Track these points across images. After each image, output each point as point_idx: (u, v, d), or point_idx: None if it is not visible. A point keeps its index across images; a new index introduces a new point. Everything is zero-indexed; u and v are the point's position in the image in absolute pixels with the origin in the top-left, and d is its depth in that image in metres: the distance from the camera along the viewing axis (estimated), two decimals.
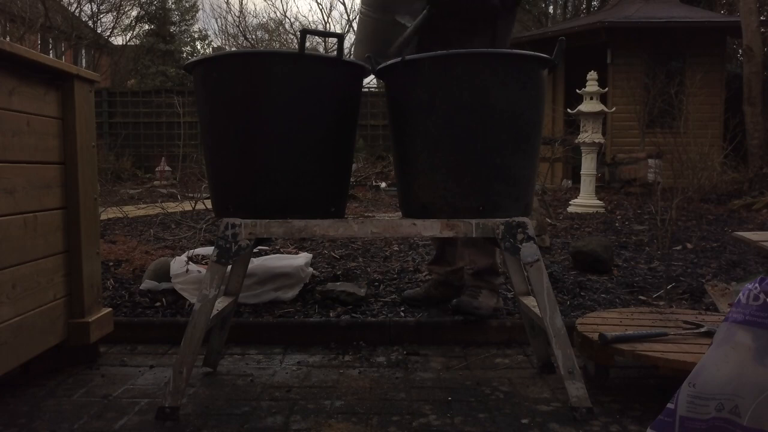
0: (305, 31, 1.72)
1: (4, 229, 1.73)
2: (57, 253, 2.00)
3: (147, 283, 2.81)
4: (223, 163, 1.78)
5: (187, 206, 5.44)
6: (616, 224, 5.45)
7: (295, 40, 18.65)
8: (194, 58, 1.82)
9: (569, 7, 18.56)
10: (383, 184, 9.44)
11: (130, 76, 18.12)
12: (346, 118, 1.83)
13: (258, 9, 42.78)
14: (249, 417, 1.72)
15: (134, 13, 18.66)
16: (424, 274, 3.23)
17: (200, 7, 27.92)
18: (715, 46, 10.54)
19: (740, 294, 1.37)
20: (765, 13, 13.28)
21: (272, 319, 2.50)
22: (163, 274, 2.79)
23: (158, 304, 2.69)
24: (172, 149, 11.89)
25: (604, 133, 7.48)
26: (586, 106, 6.77)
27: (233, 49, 18.85)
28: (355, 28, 2.21)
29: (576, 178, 8.75)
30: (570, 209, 6.64)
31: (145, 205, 6.46)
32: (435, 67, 1.71)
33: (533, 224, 1.79)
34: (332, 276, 3.15)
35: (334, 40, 2.00)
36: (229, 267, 1.91)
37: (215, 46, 21.48)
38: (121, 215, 5.53)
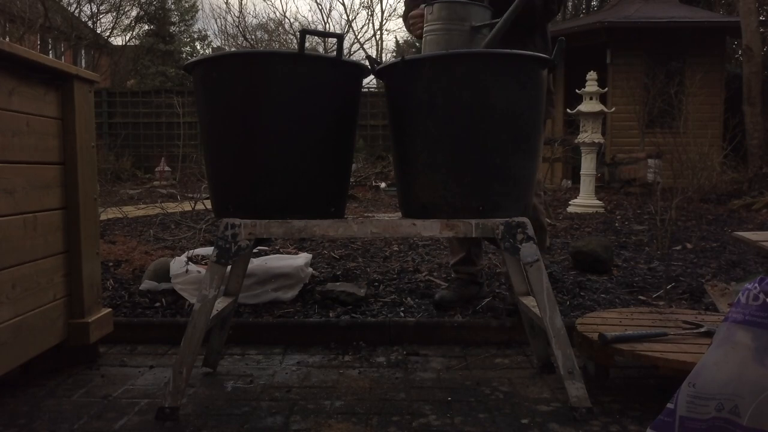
0: (305, 32, 1.73)
1: (4, 230, 1.73)
2: (57, 254, 2.00)
3: (147, 284, 2.81)
4: (222, 163, 1.78)
5: (187, 206, 5.44)
6: (616, 224, 5.45)
7: (295, 41, 18.65)
8: (194, 59, 1.82)
9: (569, 7, 18.56)
10: (383, 184, 9.44)
11: (129, 77, 18.10)
12: (346, 118, 1.83)
13: (257, 9, 42.78)
14: (249, 417, 1.72)
15: (134, 13, 18.66)
16: (423, 274, 3.23)
17: (200, 7, 27.90)
18: (714, 46, 10.54)
19: (740, 294, 1.37)
20: (764, 13, 13.28)
21: (272, 320, 2.50)
22: (163, 275, 2.79)
23: (158, 304, 2.69)
24: (171, 149, 11.88)
25: (603, 133, 7.48)
26: (586, 106, 6.77)
27: (233, 49, 18.85)
28: (424, 46, 2.10)
29: (576, 178, 8.75)
30: (570, 209, 6.64)
31: (145, 206, 6.46)
32: (435, 67, 1.71)
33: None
34: (332, 276, 3.15)
35: (334, 40, 1.99)
36: (229, 267, 1.91)
37: (215, 46, 21.46)
38: (120, 215, 5.52)
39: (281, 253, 3.14)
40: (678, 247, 4.15)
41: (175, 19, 20.44)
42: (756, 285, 1.35)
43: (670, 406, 1.38)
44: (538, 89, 1.76)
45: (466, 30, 1.97)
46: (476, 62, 1.70)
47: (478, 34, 1.96)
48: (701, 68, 10.13)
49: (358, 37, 20.87)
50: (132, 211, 5.85)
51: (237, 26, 20.73)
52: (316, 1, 32.69)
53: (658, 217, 4.29)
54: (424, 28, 2.07)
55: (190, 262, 2.74)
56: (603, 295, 2.83)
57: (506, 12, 1.91)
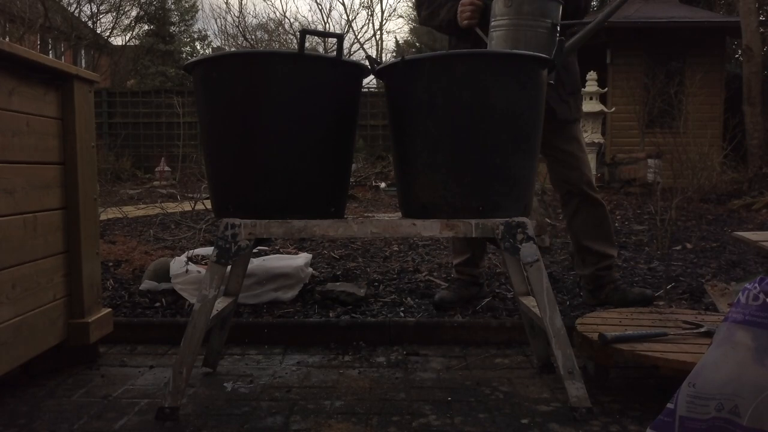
0: (305, 32, 1.73)
1: (4, 230, 1.73)
2: (57, 254, 2.00)
3: (147, 284, 2.81)
4: (222, 163, 1.78)
5: (187, 206, 5.44)
6: (616, 224, 5.45)
7: (295, 41, 18.65)
8: (194, 59, 1.82)
9: None
10: (383, 184, 9.44)
11: (129, 77, 18.10)
12: (346, 118, 1.83)
13: (257, 9, 42.83)
14: (249, 417, 1.72)
15: (134, 13, 18.66)
16: (423, 274, 3.23)
17: (200, 7, 27.89)
18: (715, 46, 10.54)
19: (740, 294, 1.37)
20: (764, 14, 13.28)
21: (272, 320, 2.50)
22: (163, 275, 2.79)
23: (158, 304, 2.69)
24: (171, 149, 11.87)
25: (603, 133, 7.49)
26: (586, 106, 6.78)
27: (233, 49, 18.85)
28: (494, 39, 1.99)
29: None
30: None
31: (145, 206, 6.46)
32: (435, 67, 1.71)
33: (533, 224, 1.79)
34: (332, 276, 3.15)
35: (334, 40, 1.99)
36: (229, 267, 1.91)
37: (215, 46, 21.47)
38: (120, 215, 5.52)
39: (281, 253, 3.14)
40: (678, 247, 4.15)
41: (175, 19, 20.44)
42: (756, 285, 1.35)
43: (670, 406, 1.38)
44: (538, 89, 1.76)
45: (546, 26, 1.89)
46: (476, 62, 1.70)
47: (555, 33, 1.92)
48: (701, 68, 10.13)
49: (358, 37, 20.86)
50: (132, 211, 5.85)
51: (237, 26, 20.73)
52: (316, 1, 32.75)
53: (658, 217, 4.29)
54: (492, 23, 1.96)
55: (190, 262, 2.74)
56: None
57: (602, 14, 1.89)
